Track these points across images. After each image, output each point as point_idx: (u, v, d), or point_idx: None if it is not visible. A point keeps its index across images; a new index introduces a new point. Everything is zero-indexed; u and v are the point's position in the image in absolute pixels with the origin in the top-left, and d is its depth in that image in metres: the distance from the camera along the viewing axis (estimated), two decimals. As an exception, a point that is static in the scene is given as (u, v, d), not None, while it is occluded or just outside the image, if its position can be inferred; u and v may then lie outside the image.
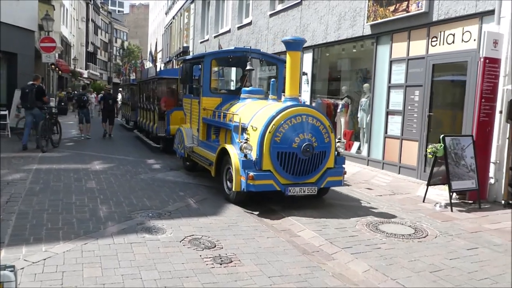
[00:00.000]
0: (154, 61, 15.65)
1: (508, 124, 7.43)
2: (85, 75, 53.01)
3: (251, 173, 6.25)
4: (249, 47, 8.65)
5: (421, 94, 9.36)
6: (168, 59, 37.32)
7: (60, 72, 33.60)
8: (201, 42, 25.49)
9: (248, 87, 8.37)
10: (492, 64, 7.30)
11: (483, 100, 7.35)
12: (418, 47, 9.52)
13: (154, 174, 9.20)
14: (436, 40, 9.02)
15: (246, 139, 6.46)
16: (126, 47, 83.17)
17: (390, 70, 10.31)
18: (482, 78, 7.29)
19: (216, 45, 21.33)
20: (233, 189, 6.58)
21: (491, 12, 7.71)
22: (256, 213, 6.45)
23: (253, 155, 6.45)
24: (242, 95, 8.06)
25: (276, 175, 6.41)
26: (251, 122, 6.79)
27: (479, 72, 7.37)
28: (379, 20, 10.31)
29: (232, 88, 10.61)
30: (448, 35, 8.75)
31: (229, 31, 20.69)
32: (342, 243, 5.20)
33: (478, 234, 5.77)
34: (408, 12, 9.47)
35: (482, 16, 8.02)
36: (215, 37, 22.73)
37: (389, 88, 10.35)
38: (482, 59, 7.27)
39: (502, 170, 7.49)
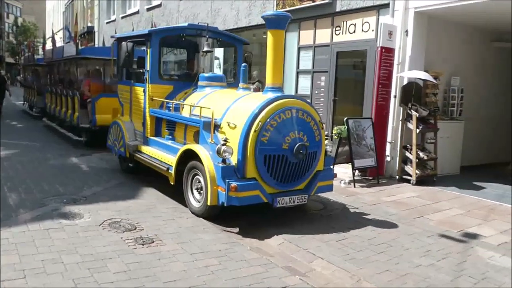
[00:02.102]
0: (74, 37, 12.76)
1: (401, 108, 8.31)
2: (-27, 54, 47.97)
3: (234, 183, 5.00)
4: (205, 24, 7.18)
5: (326, 80, 10.03)
6: (69, 40, 35.11)
7: None
8: (107, 23, 24.45)
9: (203, 73, 7.23)
10: (387, 53, 8.06)
11: (380, 86, 8.12)
12: (323, 35, 10.14)
13: (64, 160, 8.86)
14: (340, 29, 9.70)
15: (226, 140, 5.17)
16: (20, 23, 76.37)
17: (298, 56, 10.86)
18: (379, 66, 8.04)
19: (125, 26, 20.61)
20: (208, 203, 5.27)
21: (387, 6, 8.48)
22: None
23: (233, 159, 5.22)
24: (200, 82, 6.87)
25: (262, 184, 5.24)
26: (225, 118, 5.60)
27: (377, 60, 8.11)
28: (288, 8, 10.77)
29: (179, 73, 8.72)
30: (350, 25, 9.45)
31: (137, 12, 20.09)
32: (258, 221, 5.55)
33: (376, 206, 6.46)
34: (314, 1, 10.02)
35: (379, 8, 8.78)
36: (122, 17, 21.93)
37: (297, 73, 10.91)
38: (379, 49, 8.01)
39: (397, 149, 8.37)
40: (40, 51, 28.36)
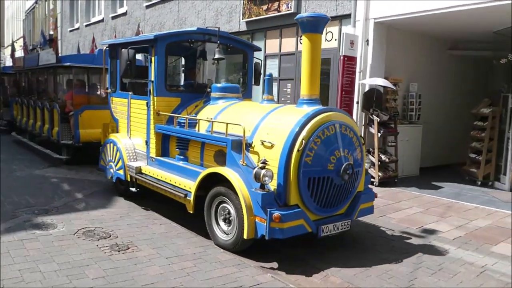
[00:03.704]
0: (53, 42, 11.18)
1: (364, 113, 8.71)
2: None
3: (277, 213, 4.25)
4: (216, 28, 6.33)
5: (292, 87, 10.36)
6: (31, 47, 34.33)
7: None
8: (70, 31, 24.14)
9: (215, 83, 6.43)
10: (350, 62, 8.46)
11: (343, 93, 8.49)
12: (288, 44, 10.49)
13: (31, 171, 8.79)
14: (304, 38, 10.04)
15: (265, 162, 4.41)
16: (-23, 32, 73.73)
17: (265, 65, 11.15)
18: (342, 74, 8.42)
19: (89, 34, 20.43)
20: (245, 236, 4.49)
21: (348, 16, 8.90)
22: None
23: (271, 184, 4.51)
24: (212, 94, 6.10)
25: (305, 211, 4.56)
26: (257, 135, 4.87)
27: (340, 68, 8.49)
28: (254, 18, 11.09)
29: (186, 83, 7.57)
30: (314, 34, 9.81)
31: (102, 20, 19.97)
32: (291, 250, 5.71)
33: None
34: (279, 11, 10.36)
35: (341, 19, 9.20)
36: (86, 26, 21.73)
37: (264, 81, 11.17)
38: (341, 57, 8.40)
39: (360, 152, 8.75)
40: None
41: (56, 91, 10.63)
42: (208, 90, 6.22)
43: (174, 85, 7.51)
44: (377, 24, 8.60)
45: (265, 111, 5.15)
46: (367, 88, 8.77)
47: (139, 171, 6.32)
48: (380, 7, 8.43)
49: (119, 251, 4.65)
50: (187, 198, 5.32)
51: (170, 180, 5.70)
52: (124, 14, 17.82)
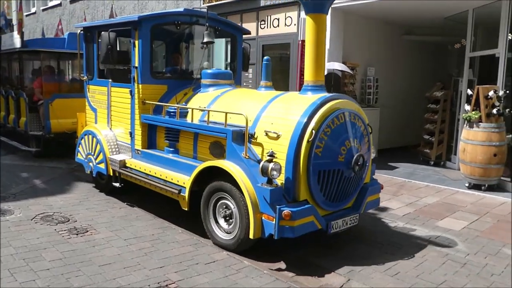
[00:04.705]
0: (19, 25, 10.19)
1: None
2: None
3: (287, 210, 3.92)
4: (205, 9, 5.99)
5: (254, 72, 10.47)
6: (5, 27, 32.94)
7: None
8: (26, 15, 23.29)
9: (205, 68, 6.03)
10: (308, 46, 8.62)
11: (302, 77, 8.59)
12: (249, 28, 10.43)
13: (-14, 159, 8.61)
14: (264, 24, 10.16)
15: (272, 154, 4.04)
16: None
17: (226, 49, 11.16)
18: (301, 58, 8.57)
19: (47, 19, 19.83)
20: (251, 236, 4.15)
21: (307, 1, 9.04)
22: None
23: (278, 179, 4.14)
24: (203, 81, 5.68)
25: (316, 207, 4.25)
26: (259, 125, 4.51)
27: (298, 52, 8.65)
28: (215, 2, 11.07)
29: (172, 69, 6.72)
30: (274, 19, 9.94)
31: (60, 4, 19.41)
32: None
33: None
34: (240, -4, 10.41)
35: (300, 4, 9.32)
36: (43, 10, 21.07)
37: (226, 66, 11.23)
38: (300, 42, 8.56)
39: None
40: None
41: (22, 78, 9.81)
42: (198, 76, 5.89)
43: (159, 71, 6.93)
44: (334, 10, 8.77)
45: (266, 99, 4.78)
46: (325, 73, 8.96)
47: (123, 164, 5.86)
48: (337, -7, 8.61)
49: (77, 235, 4.69)
50: (181, 194, 4.91)
51: (161, 175, 5.27)
52: (83, -3, 17.39)
